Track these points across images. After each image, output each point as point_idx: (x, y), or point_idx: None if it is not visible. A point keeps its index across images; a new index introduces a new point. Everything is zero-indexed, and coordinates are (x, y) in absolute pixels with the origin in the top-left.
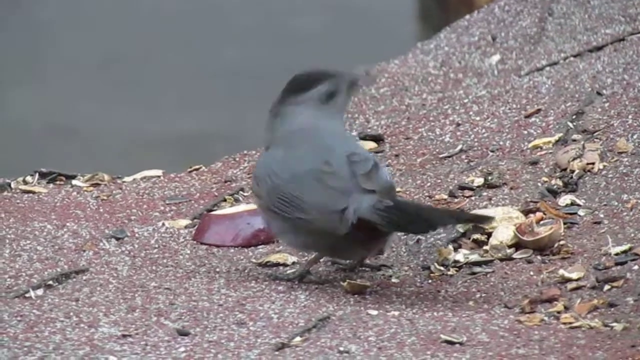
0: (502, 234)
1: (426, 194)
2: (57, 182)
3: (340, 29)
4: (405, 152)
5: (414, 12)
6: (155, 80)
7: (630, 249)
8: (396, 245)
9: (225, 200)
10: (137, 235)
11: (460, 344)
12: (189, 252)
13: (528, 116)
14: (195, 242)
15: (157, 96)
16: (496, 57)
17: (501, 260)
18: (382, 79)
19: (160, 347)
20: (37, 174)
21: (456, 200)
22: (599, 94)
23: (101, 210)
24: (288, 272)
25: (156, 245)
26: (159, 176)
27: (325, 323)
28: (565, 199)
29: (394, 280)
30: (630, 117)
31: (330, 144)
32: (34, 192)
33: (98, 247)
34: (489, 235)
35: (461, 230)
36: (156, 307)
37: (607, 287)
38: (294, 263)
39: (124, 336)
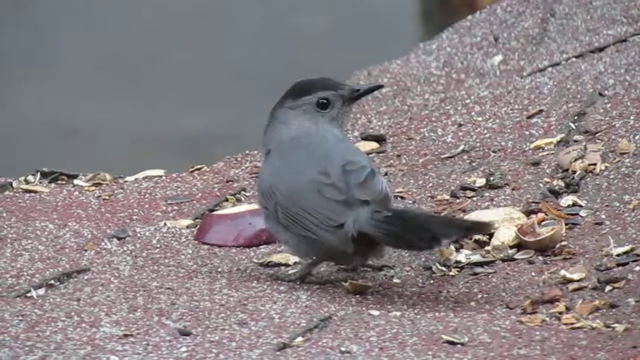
0: (504, 234)
1: (428, 194)
2: (59, 182)
3: (342, 30)
4: (407, 153)
5: (416, 13)
6: (158, 79)
7: (631, 249)
8: None
9: (227, 200)
10: (138, 235)
11: (462, 344)
12: (190, 252)
13: (530, 117)
14: (197, 242)
15: (159, 96)
16: (498, 58)
17: (503, 260)
18: (384, 79)
19: (161, 347)
20: (38, 174)
21: (458, 200)
22: (600, 94)
23: (103, 209)
24: (290, 272)
25: (158, 245)
26: (160, 176)
27: (327, 323)
28: (567, 200)
29: (395, 280)
30: (632, 117)
31: (327, 152)
32: (35, 192)
33: (100, 246)
34: (491, 235)
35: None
36: (158, 307)
37: (608, 287)
38: (295, 263)
39: (126, 336)
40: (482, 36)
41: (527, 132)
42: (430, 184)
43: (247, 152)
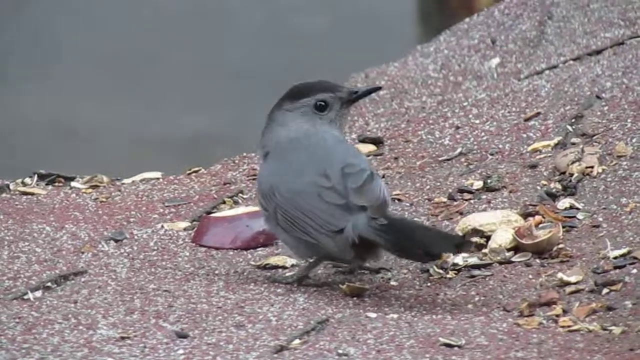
0: (501, 237)
1: (425, 197)
2: (56, 184)
3: (340, 32)
4: (405, 155)
5: (414, 15)
6: (157, 79)
7: (629, 252)
8: None
9: (224, 202)
10: (136, 237)
11: (459, 347)
12: (187, 254)
13: (527, 119)
14: (194, 244)
15: (159, 96)
16: (496, 60)
17: (500, 263)
18: (381, 81)
19: (158, 350)
20: (36, 176)
21: (455, 203)
22: (598, 97)
23: (100, 212)
24: (287, 275)
25: (155, 248)
26: (158, 178)
27: (324, 326)
28: (564, 203)
29: (392, 283)
30: (629, 120)
31: (326, 153)
32: (32, 194)
33: (97, 249)
34: (488, 238)
35: (460, 233)
36: (155, 309)
37: (605, 290)
38: (292, 266)
39: (123, 338)
40: (479, 39)
41: (524, 135)
42: (428, 187)
43: (244, 154)
